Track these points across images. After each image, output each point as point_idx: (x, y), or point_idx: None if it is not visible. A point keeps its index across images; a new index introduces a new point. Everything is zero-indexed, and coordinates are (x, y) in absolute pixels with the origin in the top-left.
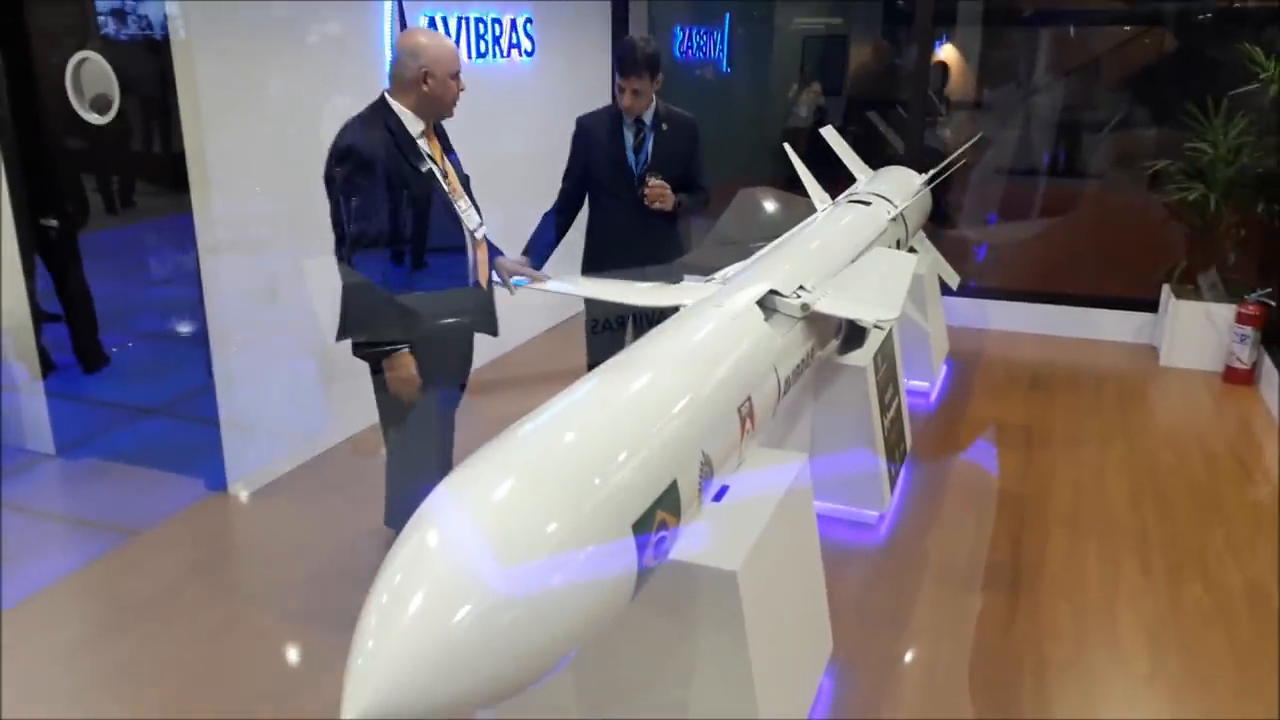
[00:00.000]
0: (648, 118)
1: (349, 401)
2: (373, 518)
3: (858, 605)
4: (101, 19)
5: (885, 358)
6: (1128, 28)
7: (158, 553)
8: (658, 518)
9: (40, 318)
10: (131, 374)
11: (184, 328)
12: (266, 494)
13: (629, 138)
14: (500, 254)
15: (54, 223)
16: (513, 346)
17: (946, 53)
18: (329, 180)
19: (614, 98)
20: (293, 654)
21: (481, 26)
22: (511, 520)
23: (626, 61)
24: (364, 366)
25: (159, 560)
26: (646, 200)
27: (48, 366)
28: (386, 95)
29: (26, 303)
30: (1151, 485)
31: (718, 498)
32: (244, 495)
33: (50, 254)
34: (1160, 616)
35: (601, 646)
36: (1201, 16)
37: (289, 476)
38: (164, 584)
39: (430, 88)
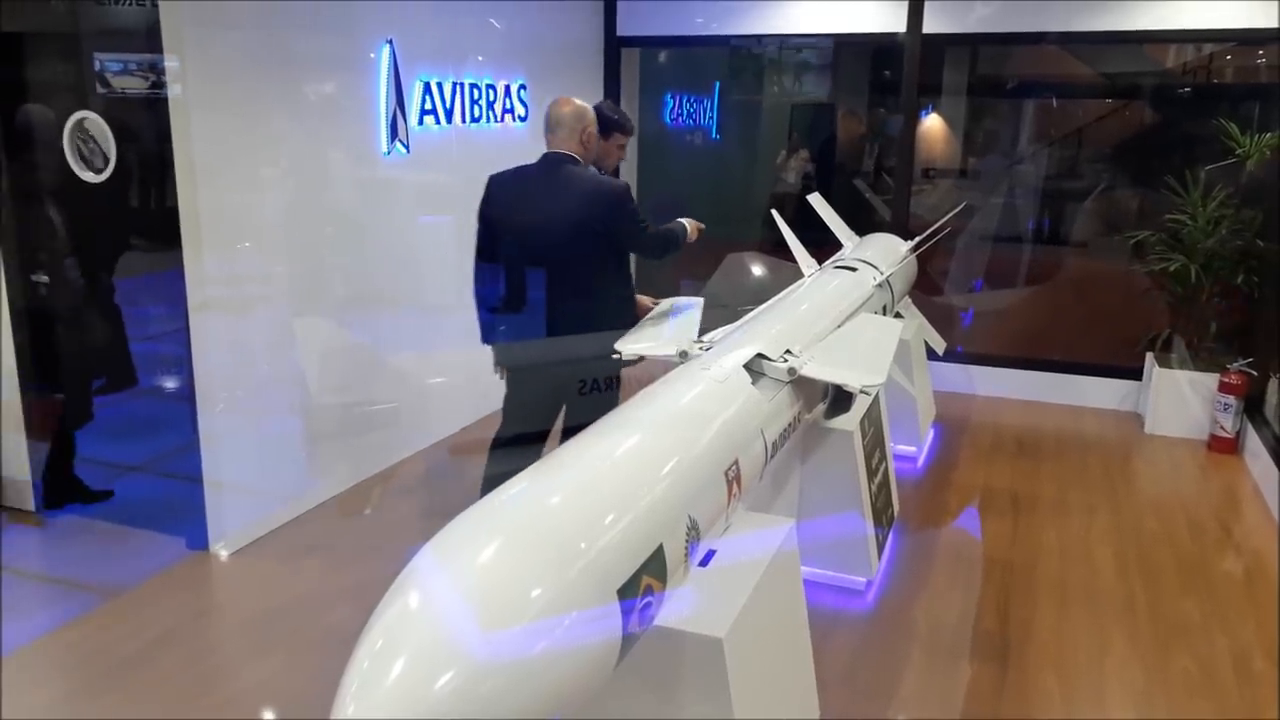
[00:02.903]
0: None
1: (334, 461)
2: (354, 578)
3: (845, 673)
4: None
5: (872, 422)
6: (1109, 100)
7: (136, 613)
8: (643, 583)
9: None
10: (116, 431)
11: (170, 384)
12: (248, 554)
13: None
14: None
15: (44, 279)
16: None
17: (931, 122)
18: (631, 213)
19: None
20: (270, 717)
21: (476, 92)
22: (495, 584)
23: (627, 123)
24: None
25: (137, 621)
26: None
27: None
28: (565, 152)
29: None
30: (1138, 554)
31: (704, 562)
32: (225, 555)
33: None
34: (1148, 687)
35: (584, 714)
36: (1180, 91)
37: (271, 536)
38: (141, 645)
39: (587, 144)
